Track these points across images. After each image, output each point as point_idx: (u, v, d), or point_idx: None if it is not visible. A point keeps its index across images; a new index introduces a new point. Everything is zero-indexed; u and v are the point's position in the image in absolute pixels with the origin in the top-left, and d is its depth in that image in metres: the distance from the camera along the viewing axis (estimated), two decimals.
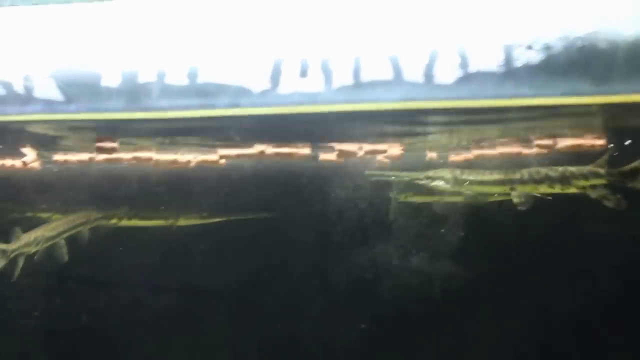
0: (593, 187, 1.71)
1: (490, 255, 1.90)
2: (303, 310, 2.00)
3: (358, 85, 1.16)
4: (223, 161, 1.62)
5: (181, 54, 1.15)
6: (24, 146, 1.63)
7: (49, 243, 1.95)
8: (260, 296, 2.06)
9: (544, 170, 1.70)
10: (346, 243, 2.02)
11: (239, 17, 1.15)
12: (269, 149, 1.53)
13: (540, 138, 1.59)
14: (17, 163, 1.73)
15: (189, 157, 1.64)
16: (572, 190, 1.73)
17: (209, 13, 1.15)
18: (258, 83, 1.15)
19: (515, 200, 1.69)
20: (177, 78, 1.16)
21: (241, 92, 1.16)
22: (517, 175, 1.72)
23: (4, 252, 1.82)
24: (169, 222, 2.14)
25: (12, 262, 1.85)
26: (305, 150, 1.55)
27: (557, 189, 1.74)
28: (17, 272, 1.84)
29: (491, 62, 1.16)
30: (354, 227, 1.96)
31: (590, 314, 1.88)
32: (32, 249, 1.92)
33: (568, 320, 1.92)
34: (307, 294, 1.99)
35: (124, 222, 2.11)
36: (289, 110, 1.19)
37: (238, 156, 1.56)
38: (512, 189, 1.73)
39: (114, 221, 2.08)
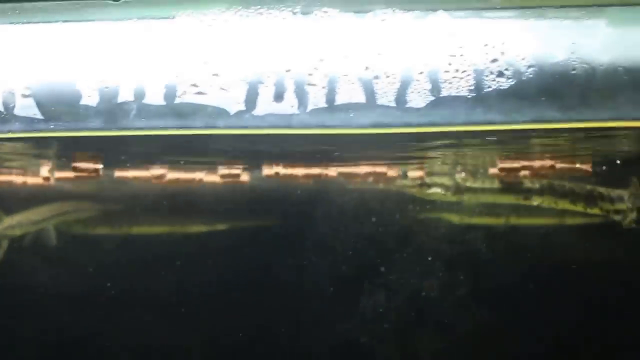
0: (617, 211, 1.62)
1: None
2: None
3: (332, 108, 1.18)
4: (246, 178, 1.60)
5: (159, 74, 1.18)
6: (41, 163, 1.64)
7: (36, 227, 1.97)
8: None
9: (569, 185, 1.60)
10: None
11: (217, 38, 1.18)
12: (281, 169, 1.51)
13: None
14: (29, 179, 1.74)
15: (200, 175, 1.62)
16: (596, 211, 1.63)
17: (187, 34, 1.18)
18: (234, 104, 1.18)
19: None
20: (155, 98, 1.18)
21: (218, 113, 1.18)
22: (536, 185, 1.61)
23: None
24: (175, 228, 2.13)
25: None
26: (308, 171, 1.53)
27: (579, 207, 1.63)
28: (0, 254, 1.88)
29: (463, 87, 1.17)
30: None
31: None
32: (17, 232, 1.94)
33: None
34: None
35: (132, 229, 2.11)
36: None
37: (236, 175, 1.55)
38: (527, 198, 1.62)
39: (119, 228, 2.08)
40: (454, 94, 1.17)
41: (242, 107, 1.17)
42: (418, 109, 1.17)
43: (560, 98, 1.19)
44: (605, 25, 1.20)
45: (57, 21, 1.17)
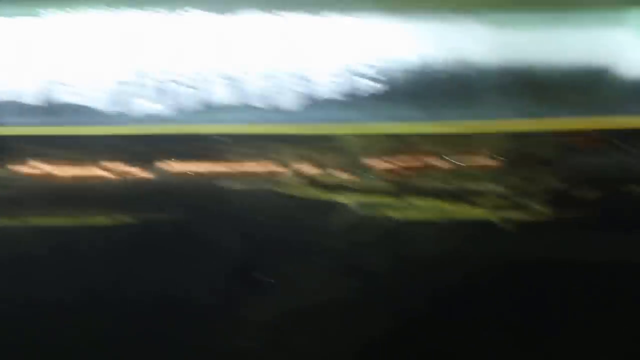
0: (496, 207, 1.64)
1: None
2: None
3: (207, 108, 1.16)
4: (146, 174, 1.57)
5: (33, 73, 1.16)
6: None
7: None
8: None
9: (451, 181, 1.59)
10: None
11: (91, 36, 1.16)
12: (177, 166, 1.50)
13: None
14: None
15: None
16: (476, 208, 1.66)
17: (60, 33, 1.16)
18: (109, 103, 1.16)
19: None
20: (29, 97, 1.16)
21: (93, 112, 1.16)
22: (413, 183, 1.61)
23: None
24: (74, 220, 2.11)
25: None
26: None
27: (459, 205, 1.65)
28: None
29: (337, 88, 1.16)
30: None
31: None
32: None
33: None
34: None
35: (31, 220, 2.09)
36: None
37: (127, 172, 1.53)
38: (399, 198, 1.61)
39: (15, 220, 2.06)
40: (326, 96, 1.17)
41: (111, 108, 1.15)
42: (290, 111, 1.16)
43: (435, 100, 1.19)
44: (483, 28, 1.20)
45: None
